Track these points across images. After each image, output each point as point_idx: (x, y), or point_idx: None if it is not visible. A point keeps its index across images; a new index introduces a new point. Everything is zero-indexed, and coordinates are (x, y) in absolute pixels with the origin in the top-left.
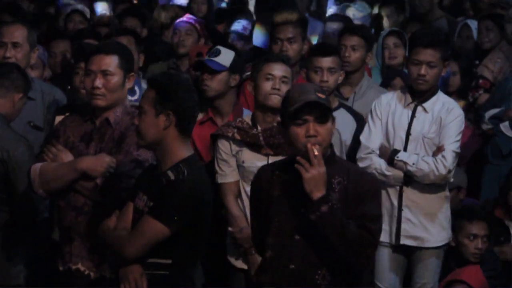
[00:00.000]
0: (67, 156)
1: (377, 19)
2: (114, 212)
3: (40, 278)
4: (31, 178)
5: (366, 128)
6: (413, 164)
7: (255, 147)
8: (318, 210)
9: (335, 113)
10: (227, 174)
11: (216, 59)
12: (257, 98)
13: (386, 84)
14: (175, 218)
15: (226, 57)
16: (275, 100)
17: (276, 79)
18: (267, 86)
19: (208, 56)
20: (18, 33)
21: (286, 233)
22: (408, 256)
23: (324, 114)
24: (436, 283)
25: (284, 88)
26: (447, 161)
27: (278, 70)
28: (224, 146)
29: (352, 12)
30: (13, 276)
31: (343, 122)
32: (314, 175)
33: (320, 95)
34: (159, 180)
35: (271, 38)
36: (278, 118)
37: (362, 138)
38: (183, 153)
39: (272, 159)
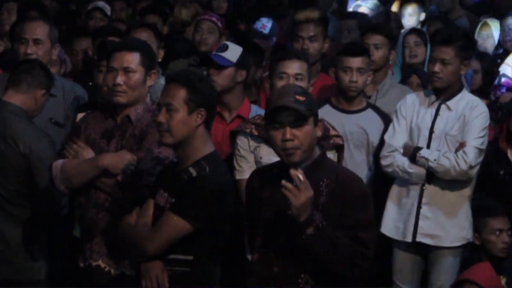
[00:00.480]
0: (88, 153)
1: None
2: (134, 209)
3: (60, 274)
4: (52, 175)
5: (390, 127)
6: (435, 160)
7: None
8: (304, 233)
9: (362, 114)
10: (245, 170)
11: (223, 54)
12: None
13: (404, 82)
14: (196, 214)
15: (233, 52)
16: None
17: (290, 77)
18: (281, 85)
19: (215, 51)
20: (40, 29)
21: (271, 236)
22: (425, 256)
23: (300, 117)
24: None
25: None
26: (468, 157)
27: (291, 68)
28: (242, 142)
29: (363, 11)
30: (35, 271)
31: (371, 122)
32: (303, 202)
33: (299, 97)
34: (180, 177)
35: (292, 36)
36: None
37: (386, 137)
38: (205, 149)
39: None
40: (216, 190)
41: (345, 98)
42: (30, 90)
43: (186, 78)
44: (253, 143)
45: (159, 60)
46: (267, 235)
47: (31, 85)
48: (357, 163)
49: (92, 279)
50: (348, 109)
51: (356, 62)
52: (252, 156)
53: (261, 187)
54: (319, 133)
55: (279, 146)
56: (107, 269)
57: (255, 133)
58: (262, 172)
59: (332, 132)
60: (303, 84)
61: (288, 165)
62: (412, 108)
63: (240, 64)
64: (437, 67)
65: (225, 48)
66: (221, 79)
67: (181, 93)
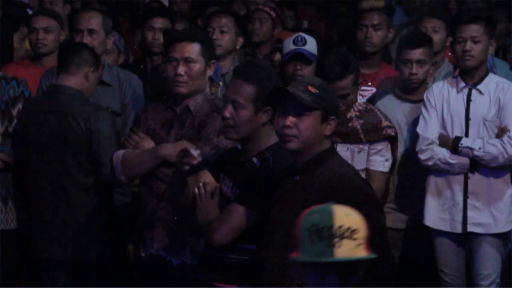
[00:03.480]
0: (149, 143)
1: None
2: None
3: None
4: (113, 165)
5: (421, 120)
6: (480, 148)
7: None
8: None
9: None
10: None
11: (306, 48)
12: None
13: None
14: (262, 203)
15: (312, 44)
16: None
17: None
18: None
19: (296, 45)
20: (94, 20)
21: (272, 234)
22: (467, 245)
23: (303, 107)
24: (499, 274)
25: None
26: None
27: None
28: None
29: None
30: (97, 252)
31: None
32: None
33: (311, 88)
34: (244, 167)
35: (356, 25)
36: (343, 107)
37: (419, 129)
38: (269, 140)
39: (339, 147)
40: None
41: (407, 89)
42: (80, 70)
43: (255, 75)
44: None
45: (237, 47)
46: (270, 234)
47: (79, 65)
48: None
49: (153, 268)
50: (411, 99)
51: (415, 54)
52: None
53: (280, 185)
54: (328, 132)
55: (278, 131)
56: (168, 258)
57: None
58: (287, 171)
59: (384, 123)
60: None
61: (288, 151)
62: (440, 97)
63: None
64: (468, 46)
65: (305, 41)
66: (308, 73)
67: (249, 91)
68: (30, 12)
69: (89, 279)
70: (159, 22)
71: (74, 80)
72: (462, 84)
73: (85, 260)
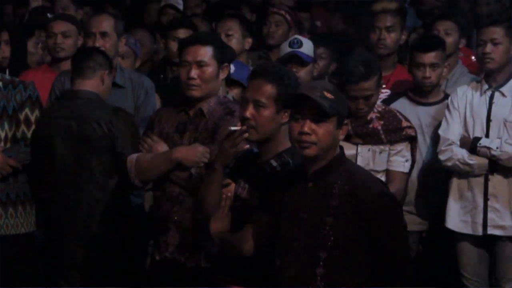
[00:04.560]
0: (162, 147)
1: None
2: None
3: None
4: (127, 168)
5: (443, 122)
6: (497, 148)
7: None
8: None
9: (439, 106)
10: None
11: (302, 50)
12: None
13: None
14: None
15: (309, 47)
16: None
17: None
18: None
19: (292, 47)
20: (106, 23)
21: (288, 241)
22: (490, 250)
23: (322, 113)
24: None
25: None
26: None
27: None
28: None
29: None
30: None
31: None
32: None
33: (327, 94)
34: (262, 169)
35: (369, 27)
36: (365, 108)
37: (441, 131)
38: (287, 142)
39: (361, 148)
40: None
41: (421, 92)
42: (95, 74)
43: (275, 74)
44: None
45: (246, 48)
46: (286, 240)
47: (94, 69)
48: (434, 156)
49: (167, 271)
50: (425, 102)
51: (428, 58)
52: None
53: (282, 192)
54: (341, 137)
55: (295, 137)
56: (182, 261)
57: None
58: (283, 177)
59: (404, 124)
60: None
61: (303, 158)
62: (463, 99)
63: (315, 57)
64: (488, 48)
65: (300, 43)
66: (304, 75)
67: (271, 90)
68: (50, 16)
69: (107, 281)
70: (183, 33)
71: (90, 84)
72: (486, 86)
73: (104, 263)
